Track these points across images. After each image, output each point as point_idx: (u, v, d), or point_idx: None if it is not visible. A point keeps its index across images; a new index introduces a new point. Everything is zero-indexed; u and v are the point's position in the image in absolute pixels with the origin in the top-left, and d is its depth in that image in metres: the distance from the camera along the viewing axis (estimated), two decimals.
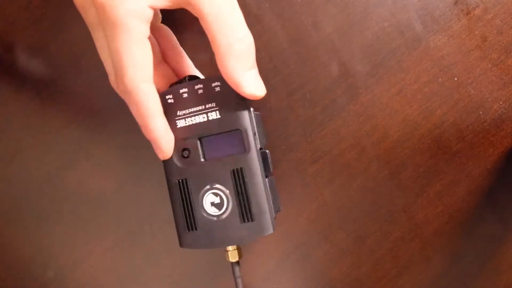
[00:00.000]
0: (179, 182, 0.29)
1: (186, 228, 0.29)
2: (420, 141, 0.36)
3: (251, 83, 0.26)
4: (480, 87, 0.36)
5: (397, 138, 0.36)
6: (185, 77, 0.30)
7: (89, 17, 0.26)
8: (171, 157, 0.29)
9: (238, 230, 0.28)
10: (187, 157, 0.29)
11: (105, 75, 0.35)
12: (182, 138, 0.28)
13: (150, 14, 0.25)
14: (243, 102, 0.28)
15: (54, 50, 0.35)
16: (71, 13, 0.35)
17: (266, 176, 0.29)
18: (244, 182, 0.28)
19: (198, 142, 0.28)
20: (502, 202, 0.37)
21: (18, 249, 0.36)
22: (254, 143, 0.28)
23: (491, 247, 0.37)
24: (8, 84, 0.35)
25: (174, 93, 0.29)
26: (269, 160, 0.29)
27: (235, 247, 0.30)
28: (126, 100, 0.27)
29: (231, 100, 0.28)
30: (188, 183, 0.29)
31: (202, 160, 0.29)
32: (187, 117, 0.28)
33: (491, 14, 0.36)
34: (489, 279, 0.37)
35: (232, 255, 0.30)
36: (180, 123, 0.28)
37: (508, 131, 0.36)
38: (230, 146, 0.28)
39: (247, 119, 0.28)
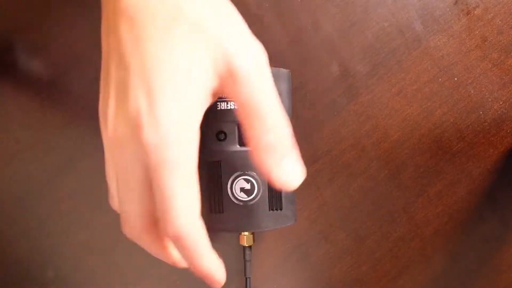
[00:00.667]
0: (210, 163, 0.28)
1: (210, 210, 0.29)
2: (420, 141, 0.36)
3: (282, 174, 0.23)
4: (480, 87, 0.36)
5: (397, 138, 0.36)
6: None
7: (126, 152, 0.22)
8: (206, 139, 0.28)
9: (264, 217, 0.29)
10: (223, 140, 0.28)
11: None
12: (221, 120, 0.28)
13: (198, 137, 0.22)
14: (289, 95, 0.28)
15: (54, 50, 0.35)
16: (71, 13, 0.35)
17: None
18: None
19: (236, 126, 0.28)
20: (502, 202, 0.37)
21: (18, 249, 0.36)
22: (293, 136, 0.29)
23: (491, 247, 0.37)
24: (8, 84, 0.35)
25: None
26: None
27: (251, 232, 0.31)
28: (174, 242, 0.22)
29: (279, 91, 0.27)
30: (220, 166, 0.29)
31: (237, 145, 0.29)
32: (230, 100, 0.28)
33: (491, 14, 0.36)
34: (489, 279, 0.37)
35: (248, 239, 0.31)
36: (222, 106, 0.28)
37: (508, 131, 0.36)
38: None
39: (291, 111, 0.29)
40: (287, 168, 0.24)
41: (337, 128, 0.36)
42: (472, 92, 0.36)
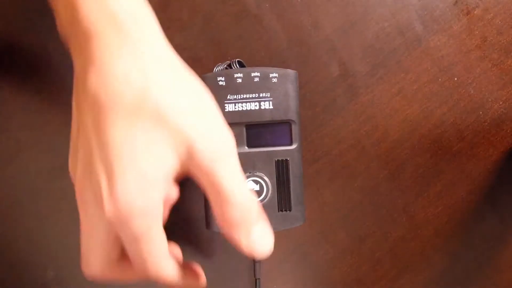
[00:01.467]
0: None
1: None
2: (420, 141, 0.36)
3: (252, 245, 0.24)
4: (480, 87, 0.36)
5: (397, 138, 0.36)
6: (231, 62, 0.31)
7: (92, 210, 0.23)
8: None
9: (274, 218, 0.29)
10: None
11: None
12: (228, 122, 0.28)
13: (160, 211, 0.23)
14: (297, 96, 0.28)
15: (54, 50, 0.35)
16: None
17: None
18: (288, 173, 0.29)
19: (244, 129, 0.28)
20: (502, 202, 0.37)
21: (18, 249, 0.36)
22: (299, 135, 0.29)
23: (491, 247, 0.37)
24: (8, 84, 0.35)
25: (227, 76, 0.28)
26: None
27: None
28: (151, 278, 0.24)
29: (287, 92, 0.28)
30: None
31: (245, 147, 0.28)
32: (238, 102, 0.28)
33: (491, 14, 0.36)
34: (489, 279, 0.37)
35: None
36: (229, 107, 0.28)
37: (508, 131, 0.36)
38: (276, 137, 0.29)
39: (298, 112, 0.29)
40: (255, 238, 0.24)
41: (337, 128, 0.36)
42: (472, 92, 0.36)
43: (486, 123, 0.36)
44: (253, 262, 0.32)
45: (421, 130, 0.36)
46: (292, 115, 0.28)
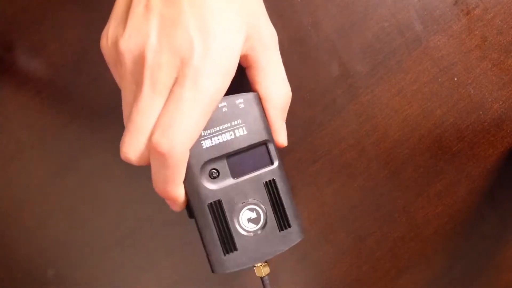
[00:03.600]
0: (211, 204, 0.28)
1: (223, 252, 0.28)
2: (420, 141, 0.36)
3: (283, 133, 0.29)
4: (480, 87, 0.36)
5: (397, 138, 0.36)
6: None
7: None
8: (200, 180, 0.27)
9: (278, 239, 0.29)
10: (217, 177, 0.28)
11: (104, 75, 0.35)
12: (209, 158, 0.27)
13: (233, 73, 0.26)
14: (263, 114, 0.28)
15: (54, 50, 0.35)
16: (71, 13, 0.35)
17: None
18: (278, 192, 0.29)
19: (226, 161, 0.28)
20: (502, 202, 0.37)
21: (18, 249, 0.36)
22: (276, 151, 0.29)
23: (491, 247, 0.37)
24: (8, 84, 0.35)
25: None
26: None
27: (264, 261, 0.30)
28: (156, 160, 0.25)
29: (255, 114, 0.28)
30: (222, 204, 0.28)
31: (231, 178, 0.28)
32: (213, 136, 0.27)
33: (491, 14, 0.36)
34: (489, 279, 0.37)
35: (265, 268, 0.30)
36: (206, 143, 0.27)
37: (508, 131, 0.36)
38: (257, 161, 0.29)
39: (269, 131, 0.29)
40: (285, 128, 0.30)
41: (337, 128, 0.36)
42: (472, 92, 0.36)
43: (486, 123, 0.36)
44: (262, 278, 0.32)
45: (421, 130, 0.36)
46: (266, 135, 0.28)
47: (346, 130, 0.36)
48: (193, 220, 0.29)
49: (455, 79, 0.36)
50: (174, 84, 0.24)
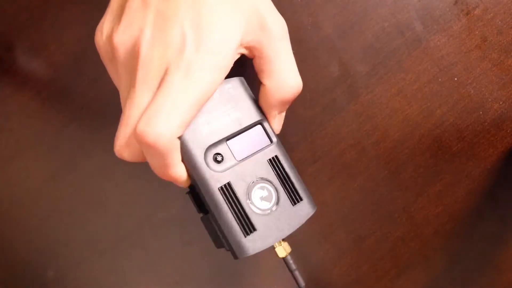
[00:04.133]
0: (222, 188, 0.27)
1: (244, 234, 0.27)
2: (420, 141, 0.36)
3: (278, 123, 0.30)
4: (480, 87, 0.36)
5: (397, 138, 0.36)
6: None
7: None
8: (207, 165, 0.27)
9: (293, 213, 0.29)
10: (222, 161, 0.28)
11: (104, 75, 0.35)
12: (211, 143, 0.28)
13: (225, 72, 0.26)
14: (252, 96, 0.29)
15: (54, 50, 0.35)
16: (71, 13, 0.35)
17: None
18: (283, 167, 0.29)
19: (227, 144, 0.28)
20: (502, 202, 0.37)
21: (18, 249, 0.36)
22: (273, 130, 0.30)
23: (491, 247, 0.37)
24: (8, 84, 0.35)
25: None
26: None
27: (281, 241, 0.30)
28: (145, 149, 0.25)
29: (245, 97, 0.29)
30: (232, 186, 0.28)
31: (236, 160, 0.28)
32: (211, 121, 0.28)
33: (491, 14, 0.36)
34: (489, 279, 0.37)
35: (285, 248, 0.30)
36: (205, 130, 0.27)
37: (508, 131, 0.36)
38: (256, 141, 0.29)
39: (261, 111, 0.29)
40: (283, 118, 0.30)
41: (337, 128, 0.36)
42: (472, 92, 0.36)
43: (486, 123, 0.36)
44: (291, 272, 0.31)
45: (421, 130, 0.36)
46: (259, 115, 0.29)
47: (346, 130, 0.36)
48: (198, 220, 0.29)
49: (455, 79, 0.36)
50: (165, 75, 0.24)
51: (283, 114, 0.30)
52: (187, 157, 0.27)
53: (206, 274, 0.37)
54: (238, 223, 0.27)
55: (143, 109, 0.25)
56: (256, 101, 0.29)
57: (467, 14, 0.36)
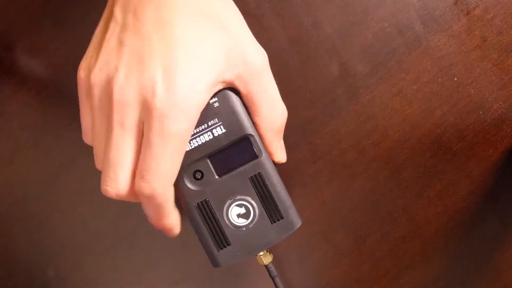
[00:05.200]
0: (199, 205, 0.28)
1: (217, 248, 0.29)
2: (420, 141, 0.36)
3: (281, 152, 0.30)
4: (480, 87, 0.36)
5: (397, 138, 0.36)
6: None
7: (130, 114, 0.25)
8: (184, 183, 0.28)
9: (271, 231, 0.29)
10: (201, 178, 0.28)
11: None
12: (191, 161, 0.28)
13: (197, 117, 0.26)
14: (243, 108, 0.28)
15: (54, 50, 0.35)
16: (71, 13, 0.35)
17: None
18: (265, 185, 0.29)
19: (208, 161, 0.28)
20: (502, 202, 0.37)
21: (18, 249, 0.36)
22: (261, 144, 0.29)
23: (491, 247, 0.37)
24: (8, 84, 0.35)
25: None
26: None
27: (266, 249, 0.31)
28: (143, 200, 0.26)
29: (233, 110, 0.28)
30: (209, 203, 0.28)
31: (216, 177, 0.28)
32: (192, 139, 0.28)
33: (491, 14, 0.36)
34: (489, 279, 0.37)
35: (265, 257, 0.31)
36: (186, 147, 0.27)
37: (508, 131, 0.36)
38: (240, 156, 0.29)
39: (251, 123, 0.28)
40: (283, 146, 0.30)
41: (337, 128, 0.36)
42: (472, 92, 0.36)
43: (486, 123, 0.36)
44: (272, 279, 0.32)
45: (421, 130, 0.36)
46: (247, 129, 0.28)
47: (346, 130, 0.36)
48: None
49: (455, 79, 0.36)
50: (144, 124, 0.24)
51: (282, 142, 0.31)
52: None
53: (206, 274, 0.37)
54: (212, 238, 0.29)
55: (130, 153, 0.25)
56: (245, 113, 0.28)
57: (467, 14, 0.36)
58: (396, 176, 0.36)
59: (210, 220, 0.28)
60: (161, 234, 0.36)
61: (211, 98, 0.27)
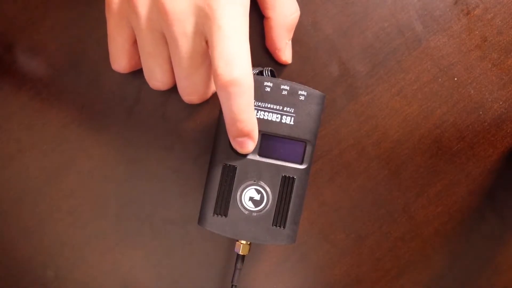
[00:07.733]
0: (226, 165, 0.29)
1: (214, 211, 0.29)
2: (420, 141, 0.36)
3: (288, 51, 0.33)
4: (480, 87, 0.36)
5: (397, 138, 0.36)
6: (264, 69, 0.32)
7: (189, 24, 0.26)
8: (227, 140, 0.28)
9: (266, 231, 0.29)
10: None
11: (104, 75, 0.35)
12: None
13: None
14: (319, 118, 0.29)
15: (54, 50, 0.35)
16: (71, 13, 0.35)
17: None
18: (291, 190, 0.29)
19: (260, 137, 0.29)
20: (502, 202, 0.37)
21: (18, 249, 0.36)
22: (311, 157, 0.29)
23: (491, 247, 0.37)
24: (8, 84, 0.35)
25: (257, 82, 0.29)
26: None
27: (248, 242, 0.31)
28: (231, 90, 0.25)
29: (310, 112, 0.28)
30: (235, 171, 0.29)
31: (256, 155, 0.29)
32: (261, 110, 0.28)
33: (491, 14, 0.36)
34: (489, 279, 0.37)
35: (244, 248, 0.31)
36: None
37: (508, 131, 0.36)
38: (288, 153, 0.29)
39: (316, 135, 0.29)
40: (290, 46, 0.33)
41: (337, 128, 0.36)
42: (472, 92, 0.36)
43: (486, 123, 0.36)
44: (234, 268, 0.32)
45: (421, 130, 0.36)
46: (310, 136, 0.29)
47: (346, 130, 0.36)
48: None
49: (455, 79, 0.36)
50: (203, 26, 0.25)
51: (290, 43, 0.33)
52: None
53: (206, 274, 0.37)
54: (216, 201, 0.29)
55: (201, 58, 0.26)
56: (318, 122, 0.29)
57: (467, 14, 0.36)
58: (396, 176, 0.36)
59: (225, 186, 0.29)
60: (161, 234, 0.36)
61: (301, 90, 0.28)
